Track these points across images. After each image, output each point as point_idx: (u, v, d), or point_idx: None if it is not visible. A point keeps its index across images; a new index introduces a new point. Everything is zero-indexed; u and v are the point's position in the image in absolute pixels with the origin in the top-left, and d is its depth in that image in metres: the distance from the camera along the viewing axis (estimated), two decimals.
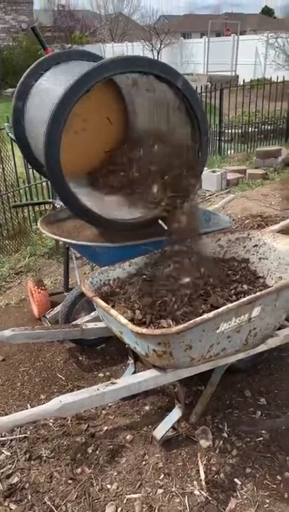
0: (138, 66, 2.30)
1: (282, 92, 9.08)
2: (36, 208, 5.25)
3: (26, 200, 5.20)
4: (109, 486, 2.11)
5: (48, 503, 2.04)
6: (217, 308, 2.03)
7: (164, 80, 2.36)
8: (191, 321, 1.91)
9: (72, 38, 25.48)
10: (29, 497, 2.07)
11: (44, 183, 5.32)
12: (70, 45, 23.43)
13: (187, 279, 2.34)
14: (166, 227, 2.49)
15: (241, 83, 9.69)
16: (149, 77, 2.37)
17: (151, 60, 2.42)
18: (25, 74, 2.81)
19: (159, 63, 2.39)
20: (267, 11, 45.81)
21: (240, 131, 8.94)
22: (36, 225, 4.90)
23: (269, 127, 9.16)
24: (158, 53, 25.32)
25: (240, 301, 2.04)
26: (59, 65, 2.81)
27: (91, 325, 2.71)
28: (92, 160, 2.76)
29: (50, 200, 4.08)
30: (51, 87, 2.58)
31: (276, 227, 3.41)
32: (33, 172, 5.13)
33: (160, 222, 2.51)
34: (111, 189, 2.57)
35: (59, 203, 3.27)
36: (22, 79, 2.81)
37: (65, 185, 2.30)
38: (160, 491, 2.08)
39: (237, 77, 17.62)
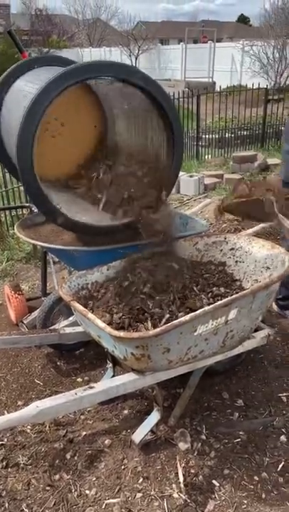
0: (110, 72, 2.31)
1: (258, 98, 9.26)
2: (13, 212, 5.20)
3: (3, 205, 5.14)
4: (87, 492, 2.09)
5: (26, 510, 2.01)
6: (195, 311, 2.05)
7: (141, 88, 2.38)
8: (168, 324, 1.93)
9: (50, 42, 25.36)
10: (6, 505, 2.03)
11: (21, 187, 5.27)
12: (47, 49, 23.33)
13: (165, 283, 2.36)
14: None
15: (218, 89, 9.84)
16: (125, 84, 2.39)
17: (129, 67, 2.43)
18: (2, 77, 2.79)
19: (136, 70, 2.40)
20: (243, 19, 46.68)
21: (217, 136, 9.06)
22: (13, 229, 4.85)
23: (245, 133, 9.31)
24: (136, 59, 25.49)
25: (216, 303, 2.07)
26: (35, 70, 2.81)
27: (69, 329, 2.69)
28: (69, 164, 2.76)
29: (27, 204, 4.05)
30: (27, 90, 2.57)
31: (252, 230, 3.47)
32: (10, 176, 5.07)
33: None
34: (85, 194, 2.57)
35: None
36: None
37: (37, 187, 2.29)
38: (139, 495, 2.07)
39: (214, 83, 17.87)
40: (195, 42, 27.28)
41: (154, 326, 2.11)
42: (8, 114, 2.69)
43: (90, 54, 26.74)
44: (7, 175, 5.05)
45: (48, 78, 2.15)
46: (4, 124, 2.77)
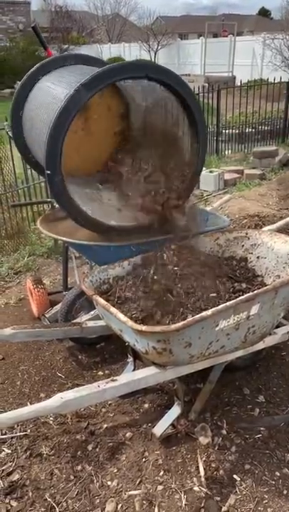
0: (143, 72, 2.31)
1: (279, 92, 9.13)
2: (35, 207, 5.26)
3: (25, 200, 5.20)
4: (109, 483, 2.12)
5: (49, 499, 2.05)
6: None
7: (170, 89, 2.38)
8: (190, 319, 1.93)
9: (70, 38, 25.48)
10: (30, 494, 2.08)
11: (42, 183, 5.33)
12: (67, 46, 23.45)
13: (186, 278, 2.36)
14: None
15: (238, 84, 9.73)
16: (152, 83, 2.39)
17: (157, 66, 2.43)
18: (27, 74, 2.82)
19: (165, 69, 2.40)
20: (264, 12, 45.98)
21: (237, 131, 8.97)
22: (35, 224, 4.91)
23: (266, 128, 9.19)
24: (155, 54, 25.38)
25: (238, 298, 2.06)
26: (61, 68, 2.82)
27: (91, 323, 2.73)
28: (92, 160, 2.77)
29: (49, 199, 4.09)
30: (53, 89, 2.59)
31: (274, 226, 3.44)
32: (31, 172, 5.14)
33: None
34: (108, 191, 2.58)
35: None
36: (23, 80, 2.82)
37: (65, 193, 2.31)
38: (160, 487, 2.09)
39: (234, 77, 17.69)
40: (215, 36, 26.98)
41: (176, 320, 2.12)
42: (33, 114, 2.72)
43: (109, 50, 26.72)
44: (29, 171, 5.11)
45: (78, 81, 2.15)
46: (28, 122, 2.80)
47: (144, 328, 1.94)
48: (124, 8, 36.85)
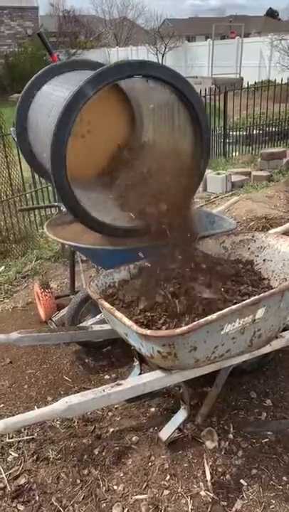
0: (146, 71, 2.33)
1: (287, 93, 9.09)
2: (42, 211, 5.29)
3: (32, 205, 5.24)
4: (115, 487, 2.12)
5: (56, 503, 2.06)
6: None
7: (169, 86, 2.39)
8: (195, 323, 1.93)
9: (77, 43, 25.63)
10: (37, 498, 2.09)
11: (50, 188, 5.36)
12: (74, 50, 23.60)
13: (192, 281, 2.36)
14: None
15: (246, 85, 9.71)
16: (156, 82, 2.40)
17: (161, 66, 2.44)
18: (30, 81, 2.84)
19: (167, 68, 2.41)
20: (271, 13, 45.89)
21: (244, 133, 8.95)
22: (42, 228, 4.94)
23: (274, 129, 9.16)
24: (162, 57, 25.42)
25: (244, 302, 2.05)
26: (64, 74, 2.85)
27: (97, 327, 2.73)
28: (97, 163, 2.78)
29: (56, 203, 4.12)
30: (55, 93, 2.61)
31: (281, 229, 3.42)
32: (38, 176, 5.17)
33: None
34: (114, 194, 2.59)
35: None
36: (27, 86, 2.85)
37: (71, 195, 2.33)
38: (166, 491, 2.09)
39: (241, 79, 17.63)
40: (222, 38, 26.97)
41: (179, 325, 2.11)
42: (37, 119, 2.74)
43: (116, 54, 26.83)
44: (36, 176, 5.14)
45: (79, 83, 2.18)
46: (33, 127, 2.82)
47: (148, 332, 1.94)
48: (131, 11, 36.95)
